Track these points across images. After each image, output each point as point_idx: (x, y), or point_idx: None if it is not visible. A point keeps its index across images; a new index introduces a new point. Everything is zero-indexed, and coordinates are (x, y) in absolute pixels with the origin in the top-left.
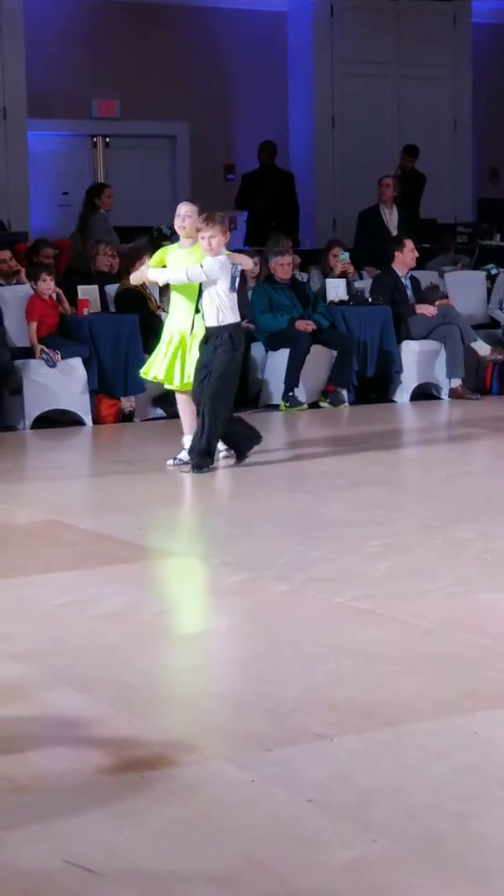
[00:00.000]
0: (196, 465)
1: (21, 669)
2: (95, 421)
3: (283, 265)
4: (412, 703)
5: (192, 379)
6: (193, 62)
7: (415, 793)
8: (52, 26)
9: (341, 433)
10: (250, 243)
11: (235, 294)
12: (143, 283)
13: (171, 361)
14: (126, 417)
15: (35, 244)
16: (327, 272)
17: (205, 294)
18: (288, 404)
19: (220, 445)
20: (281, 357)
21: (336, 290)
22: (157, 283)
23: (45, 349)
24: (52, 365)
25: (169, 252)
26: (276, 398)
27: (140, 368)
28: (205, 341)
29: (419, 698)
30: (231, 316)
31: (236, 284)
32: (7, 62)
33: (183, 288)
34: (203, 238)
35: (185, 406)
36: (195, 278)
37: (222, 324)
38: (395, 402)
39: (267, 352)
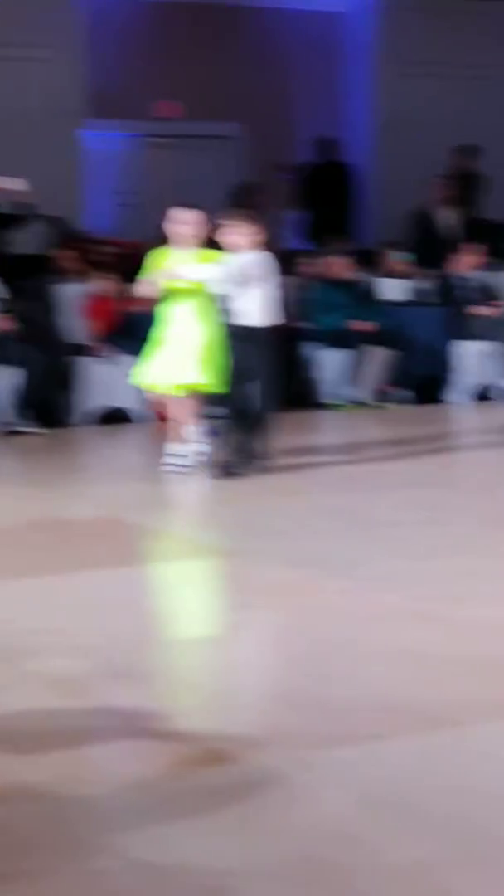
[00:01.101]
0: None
1: (80, 664)
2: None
3: (339, 264)
4: (468, 705)
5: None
6: (251, 62)
7: (471, 794)
8: (112, 26)
9: (396, 433)
10: (307, 241)
11: (273, 292)
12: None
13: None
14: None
15: (93, 243)
16: (384, 272)
17: (247, 293)
18: (343, 403)
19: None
20: (336, 356)
21: (393, 289)
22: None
23: (105, 346)
24: (112, 362)
25: (169, 257)
26: (332, 398)
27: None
28: (241, 341)
29: (475, 699)
30: (274, 314)
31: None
32: (67, 62)
33: (188, 290)
34: (240, 236)
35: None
36: (248, 271)
37: (265, 324)
38: (451, 402)
39: (323, 351)
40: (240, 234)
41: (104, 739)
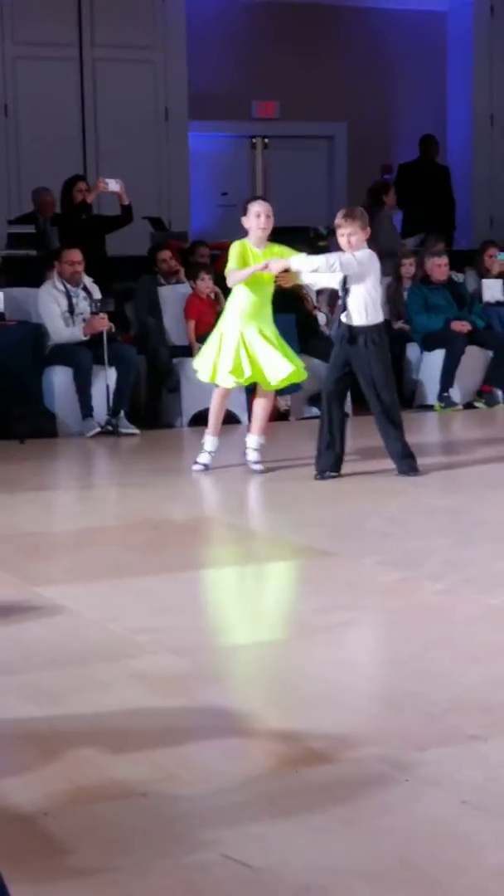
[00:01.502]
0: (414, 468)
1: (180, 663)
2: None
3: (439, 265)
4: None
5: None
6: (352, 62)
7: None
8: (213, 28)
9: (496, 434)
10: (403, 239)
11: (380, 291)
12: (299, 283)
13: (259, 363)
14: (281, 416)
15: (193, 244)
16: (483, 272)
17: (352, 291)
18: (443, 405)
19: (256, 455)
20: (436, 357)
21: (492, 290)
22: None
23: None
24: None
25: (248, 250)
26: (431, 398)
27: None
28: (349, 341)
29: None
30: (379, 315)
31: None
32: (169, 64)
33: (253, 287)
34: (343, 235)
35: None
36: (346, 266)
37: (371, 323)
38: None
39: (422, 352)
40: (352, 232)
41: (204, 738)
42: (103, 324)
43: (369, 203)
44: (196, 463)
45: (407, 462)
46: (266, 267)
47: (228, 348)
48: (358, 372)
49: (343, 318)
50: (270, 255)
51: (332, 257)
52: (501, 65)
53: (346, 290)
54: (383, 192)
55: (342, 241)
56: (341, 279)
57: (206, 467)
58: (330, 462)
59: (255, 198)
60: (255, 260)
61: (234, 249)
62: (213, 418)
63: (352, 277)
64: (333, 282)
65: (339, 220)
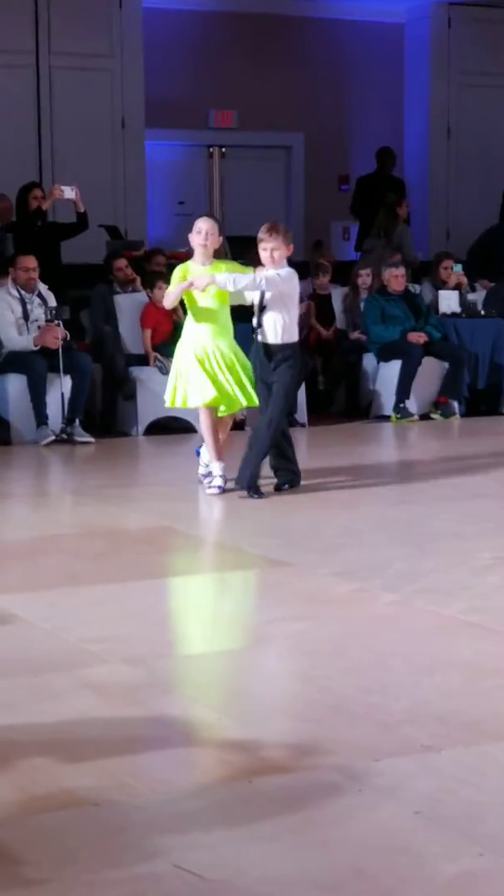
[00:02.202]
0: (255, 487)
1: (133, 673)
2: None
3: (396, 277)
4: None
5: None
6: (310, 73)
7: None
8: (170, 37)
9: (452, 445)
10: (361, 251)
11: (297, 312)
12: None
13: (220, 382)
14: (237, 426)
15: (149, 253)
16: (439, 284)
17: (269, 310)
18: (399, 416)
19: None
20: (392, 368)
21: (449, 302)
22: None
23: (159, 357)
24: (166, 372)
25: (189, 271)
26: (388, 409)
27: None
28: (267, 358)
29: None
30: (295, 333)
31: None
32: (126, 72)
33: (202, 307)
34: (265, 250)
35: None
36: (271, 284)
37: (286, 342)
38: None
39: (378, 363)
40: (276, 247)
41: (157, 748)
42: (55, 341)
43: (385, 217)
44: (210, 486)
45: (247, 479)
46: (191, 284)
47: (186, 372)
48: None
49: (259, 336)
50: (216, 272)
51: (259, 275)
52: (458, 77)
53: (262, 308)
54: (396, 205)
55: (264, 255)
56: (258, 297)
57: (222, 489)
58: (288, 476)
59: (202, 214)
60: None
61: (175, 272)
62: (210, 443)
63: (272, 296)
64: (254, 298)
65: (262, 234)
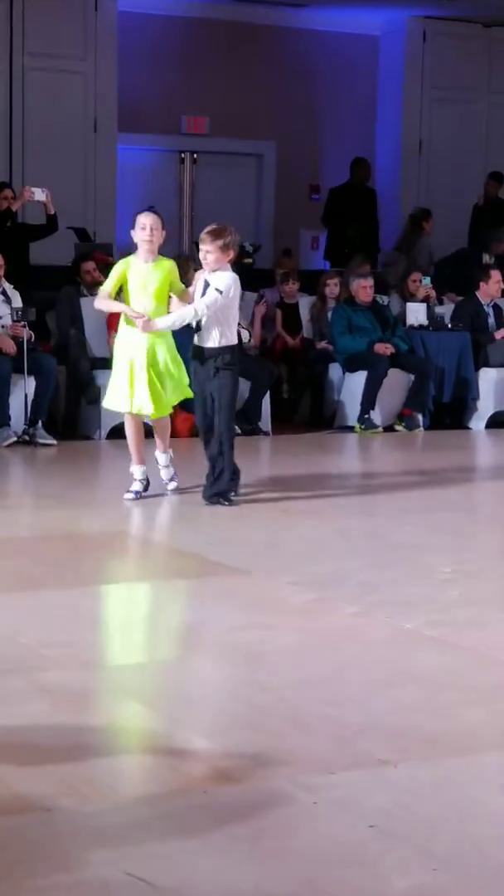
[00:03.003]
0: (226, 494)
1: (88, 678)
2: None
3: (364, 287)
4: (479, 734)
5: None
6: (283, 82)
7: (478, 824)
8: (144, 41)
9: (415, 458)
10: (331, 262)
11: (237, 314)
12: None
13: (154, 388)
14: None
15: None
16: (407, 296)
17: (212, 314)
18: (363, 426)
19: (167, 473)
20: (358, 379)
21: (416, 314)
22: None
23: None
24: None
25: (131, 267)
26: (352, 420)
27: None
28: (201, 363)
29: (486, 729)
30: (233, 336)
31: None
32: (99, 75)
33: (149, 307)
34: (201, 251)
35: (138, 432)
36: (212, 308)
37: (224, 345)
38: (470, 428)
39: (344, 373)
40: (210, 251)
41: (110, 755)
42: (11, 347)
43: (410, 230)
44: (127, 491)
45: (228, 485)
46: (142, 323)
47: (117, 375)
48: (207, 394)
49: (196, 339)
50: (159, 270)
51: (200, 306)
52: (432, 91)
53: (212, 313)
54: (423, 219)
55: (201, 254)
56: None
57: (138, 494)
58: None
59: (144, 210)
60: (137, 277)
61: (115, 268)
62: (131, 448)
63: (225, 299)
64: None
65: (202, 235)
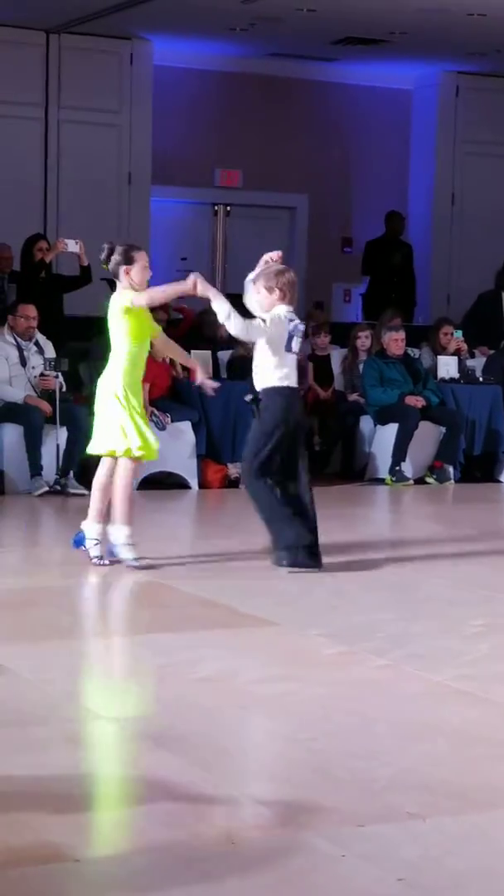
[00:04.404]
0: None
1: (119, 728)
2: (201, 485)
3: (396, 340)
4: None
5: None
6: (316, 135)
7: None
8: (179, 95)
9: (446, 510)
10: (367, 315)
11: (290, 354)
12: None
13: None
14: (232, 483)
15: (151, 308)
16: (438, 349)
17: (255, 352)
18: (394, 479)
19: (124, 535)
20: (389, 431)
21: (447, 367)
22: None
23: (156, 411)
24: (162, 428)
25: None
26: (383, 472)
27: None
28: (252, 401)
29: None
30: (274, 378)
31: (292, 345)
32: (134, 128)
33: (140, 346)
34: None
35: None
36: (245, 332)
37: (264, 386)
38: (501, 482)
39: (375, 426)
40: (266, 291)
41: (139, 804)
42: (50, 383)
43: (498, 283)
44: (94, 557)
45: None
46: (193, 286)
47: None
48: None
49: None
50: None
51: (241, 322)
52: (464, 145)
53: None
54: None
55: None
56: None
57: (101, 560)
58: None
59: (140, 248)
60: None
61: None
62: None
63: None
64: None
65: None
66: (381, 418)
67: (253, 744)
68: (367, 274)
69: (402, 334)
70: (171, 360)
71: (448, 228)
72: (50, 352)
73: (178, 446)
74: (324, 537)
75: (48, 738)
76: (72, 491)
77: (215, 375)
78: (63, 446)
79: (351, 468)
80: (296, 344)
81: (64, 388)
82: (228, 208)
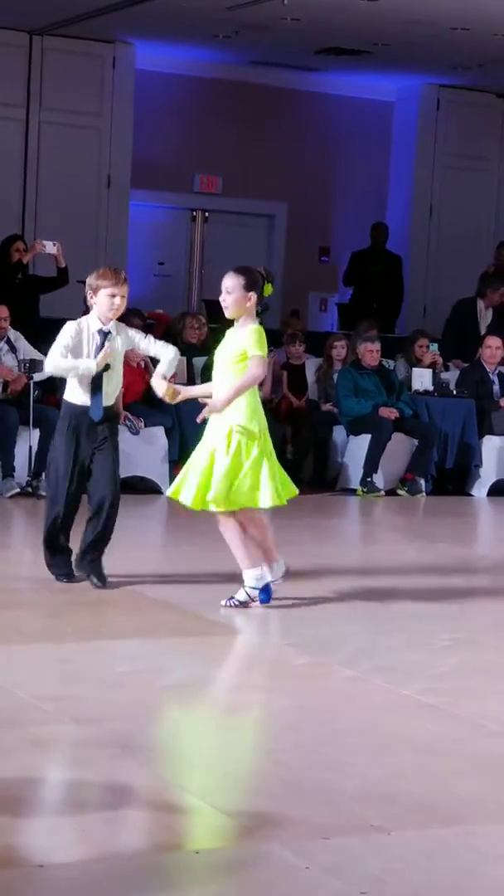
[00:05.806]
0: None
1: (85, 734)
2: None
3: (371, 351)
4: (473, 803)
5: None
6: (297, 144)
7: (470, 894)
8: (160, 100)
9: (416, 523)
10: (348, 326)
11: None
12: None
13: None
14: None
15: (126, 313)
16: (413, 361)
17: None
18: (365, 489)
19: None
20: (362, 442)
21: (422, 379)
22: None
23: (129, 416)
24: (136, 432)
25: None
26: (355, 482)
27: None
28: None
29: (480, 799)
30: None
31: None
32: (115, 132)
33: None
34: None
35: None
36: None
37: None
38: (472, 495)
39: (348, 436)
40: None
41: (103, 810)
42: (21, 384)
43: (479, 291)
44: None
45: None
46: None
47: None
48: None
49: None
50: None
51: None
52: (444, 158)
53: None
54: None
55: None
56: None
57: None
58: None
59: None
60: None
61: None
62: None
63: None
64: None
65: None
66: (354, 429)
67: (219, 753)
68: (349, 284)
69: (377, 345)
70: (145, 364)
71: (425, 241)
72: (26, 350)
73: (151, 451)
74: (293, 547)
75: (13, 743)
76: (43, 493)
77: (189, 380)
78: (35, 448)
79: (322, 478)
80: None
81: (37, 391)
82: (207, 214)
